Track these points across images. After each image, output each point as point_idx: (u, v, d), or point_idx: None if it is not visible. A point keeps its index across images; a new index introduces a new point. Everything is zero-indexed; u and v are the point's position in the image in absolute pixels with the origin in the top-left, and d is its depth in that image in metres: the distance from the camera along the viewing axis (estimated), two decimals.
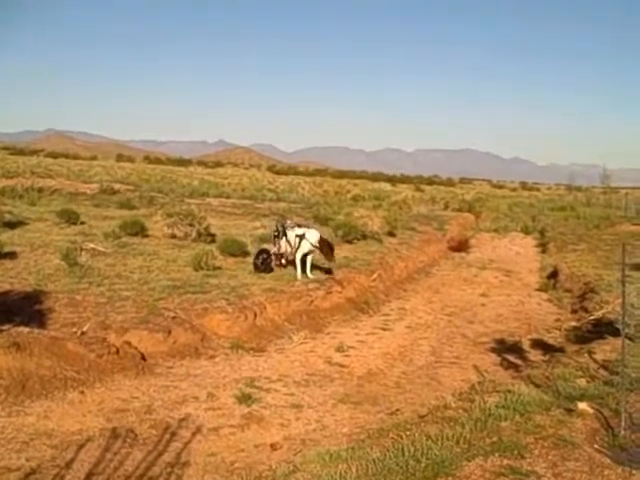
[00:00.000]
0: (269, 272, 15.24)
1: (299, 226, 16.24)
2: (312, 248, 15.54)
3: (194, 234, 18.87)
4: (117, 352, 9.37)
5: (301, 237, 15.50)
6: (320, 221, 23.22)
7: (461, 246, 27.28)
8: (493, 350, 11.97)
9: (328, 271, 16.04)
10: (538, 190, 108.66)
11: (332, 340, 12.24)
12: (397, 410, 8.46)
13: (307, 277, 15.35)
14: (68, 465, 6.30)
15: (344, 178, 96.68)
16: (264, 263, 15.48)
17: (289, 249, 15.81)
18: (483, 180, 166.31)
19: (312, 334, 12.45)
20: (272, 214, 27.55)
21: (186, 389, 8.92)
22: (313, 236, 15.54)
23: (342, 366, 10.69)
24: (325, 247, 15.59)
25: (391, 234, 24.77)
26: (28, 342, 8.67)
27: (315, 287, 14.46)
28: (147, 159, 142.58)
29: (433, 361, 11.37)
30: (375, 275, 17.30)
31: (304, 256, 15.65)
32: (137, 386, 8.78)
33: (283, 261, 15.83)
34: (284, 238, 15.75)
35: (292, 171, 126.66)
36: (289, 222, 16.61)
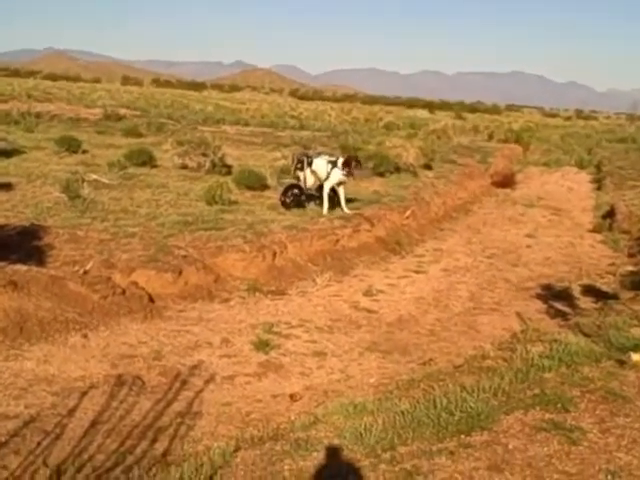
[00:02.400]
0: (301, 208, 15.11)
1: (319, 155, 15.99)
2: (342, 177, 15.30)
3: (208, 165, 18.86)
4: (123, 293, 9.43)
5: (334, 164, 15.20)
6: (348, 151, 22.57)
7: (506, 181, 26.94)
8: (539, 296, 11.85)
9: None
10: (595, 119, 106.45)
11: (359, 283, 12.20)
12: (430, 360, 8.45)
13: (345, 210, 15.19)
14: (70, 413, 6.35)
15: (376, 104, 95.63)
16: (295, 200, 15.31)
17: (311, 182, 15.59)
18: (533, 107, 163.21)
19: (337, 276, 12.39)
20: (294, 144, 27.36)
21: (198, 334, 8.96)
22: (341, 162, 15.31)
23: (370, 311, 10.66)
24: (348, 162, 15.11)
25: (428, 167, 24.52)
26: (26, 281, 8.69)
27: (341, 225, 14.27)
28: (156, 82, 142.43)
29: (471, 307, 11.29)
30: (408, 212, 17.10)
31: (334, 188, 15.49)
32: (145, 330, 8.82)
33: (302, 197, 15.62)
34: (308, 170, 15.44)
35: (317, 96, 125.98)
36: (311, 152, 16.55)
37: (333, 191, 15.44)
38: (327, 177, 15.22)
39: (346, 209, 15.29)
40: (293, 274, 12.05)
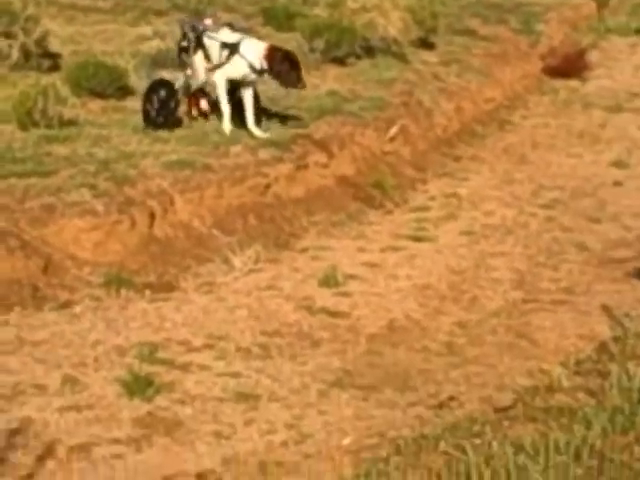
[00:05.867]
0: (175, 127, 13.79)
1: (230, 30, 14.21)
2: (250, 74, 13.74)
3: (16, 54, 17.06)
4: None
5: (232, 48, 13.62)
6: (277, 21, 20.80)
7: (571, 66, 25.24)
8: None
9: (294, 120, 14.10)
10: None
11: (313, 264, 10.99)
12: (451, 399, 7.85)
13: (256, 134, 13.88)
14: None
15: None
16: (165, 109, 13.71)
17: (202, 76, 14.12)
18: None
19: (271, 253, 11.23)
20: (177, 9, 24.00)
21: (17, 371, 7.93)
22: (253, 49, 13.59)
23: (336, 315, 9.56)
24: (280, 65, 13.94)
25: (426, 44, 22.04)
26: None
27: (273, 157, 12.93)
28: None
29: (520, 300, 10.14)
30: (395, 129, 15.71)
31: (235, 89, 13.82)
32: None
33: (203, 104, 14.09)
34: (200, 52, 13.79)
35: None
36: (208, 22, 14.55)
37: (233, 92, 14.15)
38: (222, 66, 14.04)
39: (256, 130, 13.84)
40: (189, 252, 10.91)
